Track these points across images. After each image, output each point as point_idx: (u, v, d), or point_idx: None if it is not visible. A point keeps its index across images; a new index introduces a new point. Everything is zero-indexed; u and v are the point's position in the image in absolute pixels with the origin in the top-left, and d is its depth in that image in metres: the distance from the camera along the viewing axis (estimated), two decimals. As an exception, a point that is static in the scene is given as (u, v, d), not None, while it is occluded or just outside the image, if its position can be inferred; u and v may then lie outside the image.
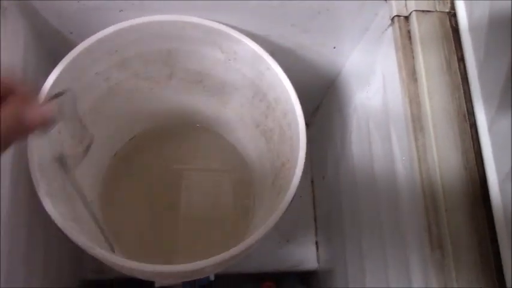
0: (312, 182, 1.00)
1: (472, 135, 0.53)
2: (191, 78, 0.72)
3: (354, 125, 0.73)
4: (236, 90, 0.71)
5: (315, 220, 0.98)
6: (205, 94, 0.75)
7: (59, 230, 0.50)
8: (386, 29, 0.61)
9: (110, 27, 0.58)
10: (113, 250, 0.63)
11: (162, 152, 0.86)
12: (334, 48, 0.71)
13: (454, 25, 0.57)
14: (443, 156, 0.52)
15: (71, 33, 0.64)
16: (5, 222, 0.53)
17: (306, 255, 0.96)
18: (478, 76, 0.52)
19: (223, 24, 0.62)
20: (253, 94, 0.69)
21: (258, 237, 0.52)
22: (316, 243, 0.97)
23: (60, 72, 0.56)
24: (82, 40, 0.58)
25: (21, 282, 0.58)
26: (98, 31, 0.59)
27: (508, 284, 0.46)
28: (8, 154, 0.55)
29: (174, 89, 0.74)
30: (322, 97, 0.88)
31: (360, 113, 0.70)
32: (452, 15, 0.58)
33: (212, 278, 0.84)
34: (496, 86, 0.47)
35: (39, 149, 0.53)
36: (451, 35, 0.57)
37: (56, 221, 0.50)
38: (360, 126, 0.70)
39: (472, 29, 0.54)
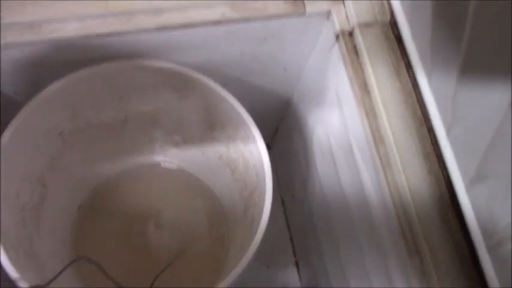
0: (283, 202, 0.99)
1: (431, 139, 0.54)
2: (146, 120, 0.71)
3: (315, 143, 0.73)
4: (194, 125, 0.71)
5: (291, 240, 0.98)
6: (163, 133, 0.74)
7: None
8: (332, 46, 0.62)
9: (57, 81, 0.57)
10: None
11: (128, 196, 0.84)
12: (285, 70, 0.72)
13: (396, 34, 0.59)
14: (406, 163, 0.53)
15: (17, 94, 0.63)
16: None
17: (288, 277, 0.95)
18: (428, 82, 0.53)
19: (173, 62, 0.61)
20: (212, 127, 0.68)
21: (233, 278, 0.51)
22: (296, 263, 0.96)
23: (11, 135, 0.54)
24: (29, 99, 0.57)
25: None
26: (45, 86, 0.57)
27: (491, 283, 0.47)
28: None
29: (130, 132, 0.73)
30: (280, 118, 0.88)
31: (320, 130, 0.71)
32: (394, 24, 0.59)
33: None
34: (448, 92, 0.48)
35: None
36: (396, 43, 0.58)
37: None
38: (322, 144, 0.71)
39: (415, 36, 0.55)
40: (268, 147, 0.60)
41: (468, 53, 0.44)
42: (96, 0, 0.55)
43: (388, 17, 0.59)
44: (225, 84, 0.63)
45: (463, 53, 0.44)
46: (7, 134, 0.54)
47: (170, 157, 0.82)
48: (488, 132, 0.42)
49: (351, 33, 0.59)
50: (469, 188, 0.48)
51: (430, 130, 0.54)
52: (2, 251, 0.49)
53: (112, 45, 0.59)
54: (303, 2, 0.59)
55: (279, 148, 0.94)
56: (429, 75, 0.53)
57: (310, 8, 0.59)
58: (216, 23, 0.58)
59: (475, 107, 0.44)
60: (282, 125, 0.90)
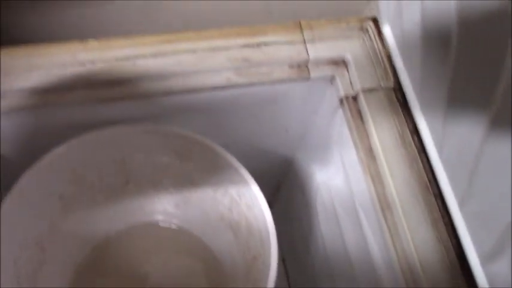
0: (284, 260, 0.98)
1: (438, 206, 0.53)
2: (148, 181, 0.70)
3: (319, 204, 0.72)
4: (196, 186, 0.70)
5: (293, 300, 0.95)
6: (165, 194, 0.73)
7: None
8: (336, 110, 0.62)
9: (60, 146, 0.57)
10: None
11: (127, 255, 0.82)
12: (287, 131, 0.72)
13: (400, 99, 0.59)
14: (415, 231, 0.52)
15: (18, 157, 0.62)
16: None
17: None
18: (439, 153, 0.53)
19: (176, 124, 0.61)
20: (214, 190, 0.68)
21: None
22: (298, 324, 0.93)
23: (11, 201, 0.53)
24: (31, 163, 0.56)
25: None
26: (47, 150, 0.57)
27: None
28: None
29: (131, 193, 0.72)
30: (281, 176, 0.87)
31: (324, 192, 0.70)
32: (398, 89, 0.59)
33: None
34: (463, 164, 0.47)
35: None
36: (400, 108, 0.58)
37: None
38: (326, 206, 0.70)
39: (423, 104, 0.55)
40: (270, 204, 0.59)
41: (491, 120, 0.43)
42: (102, 64, 0.56)
43: (392, 83, 0.59)
44: (227, 146, 0.62)
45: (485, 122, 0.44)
46: (7, 201, 0.53)
47: (170, 217, 0.80)
48: (508, 208, 0.41)
49: (354, 98, 0.60)
50: (484, 263, 0.47)
51: (437, 197, 0.54)
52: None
53: (116, 109, 0.59)
54: (307, 68, 0.60)
55: (280, 206, 0.93)
56: (440, 147, 0.52)
57: (314, 73, 0.60)
58: (221, 87, 0.58)
59: (495, 180, 0.43)
60: (283, 184, 0.89)
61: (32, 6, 0.63)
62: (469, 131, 0.45)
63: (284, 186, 0.89)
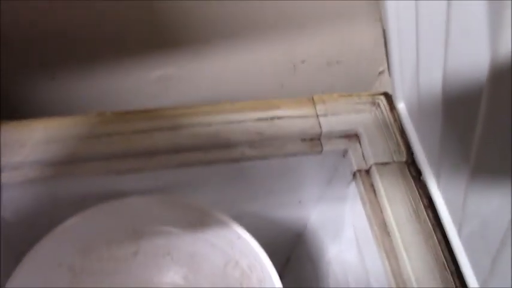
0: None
1: (455, 284, 0.52)
2: (158, 252, 0.69)
3: (331, 278, 0.71)
4: (206, 260, 0.69)
5: None
6: (174, 265, 0.72)
7: None
8: (349, 183, 0.62)
9: (72, 218, 0.57)
10: None
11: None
12: (300, 202, 0.71)
13: (413, 173, 0.59)
14: (432, 311, 0.51)
15: (28, 227, 0.62)
16: None
17: None
18: (458, 232, 0.52)
19: (189, 196, 0.61)
20: (225, 262, 0.66)
21: None
22: None
23: (21, 274, 0.52)
24: (43, 232, 0.56)
25: None
26: (59, 221, 0.57)
27: None
28: None
29: (140, 263, 0.71)
30: (291, 248, 0.86)
31: (336, 266, 0.69)
32: (411, 163, 0.59)
33: None
34: (485, 244, 0.47)
35: None
36: (413, 183, 0.58)
37: None
38: (338, 280, 0.68)
39: (440, 179, 0.55)
40: (280, 276, 0.58)
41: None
42: (118, 137, 0.57)
43: (405, 157, 0.60)
44: (239, 218, 0.62)
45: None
46: (18, 273, 0.52)
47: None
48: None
49: (367, 171, 0.60)
50: None
51: (454, 274, 0.53)
52: None
53: (130, 180, 0.59)
54: (320, 142, 0.60)
55: (290, 277, 0.91)
56: (459, 225, 0.52)
57: (327, 146, 0.60)
58: (236, 160, 0.58)
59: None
60: (294, 254, 0.88)
61: (50, 79, 0.65)
62: (495, 211, 0.44)
63: (295, 257, 0.88)
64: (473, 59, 0.40)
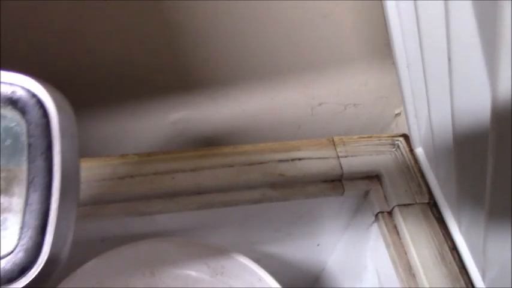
0: None
1: (485, 329, 0.51)
2: (175, 296, 0.68)
3: (353, 323, 0.69)
4: (226, 304, 0.68)
5: None
6: (191, 309, 0.71)
7: None
8: (371, 224, 0.61)
9: (93, 260, 0.56)
10: None
11: None
12: (318, 245, 0.71)
13: (436, 214, 0.58)
14: None
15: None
16: None
17: None
18: (482, 277, 0.51)
19: (209, 238, 0.61)
20: (245, 306, 0.65)
21: None
22: None
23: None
24: (62, 274, 0.55)
25: None
26: (77, 263, 0.56)
27: None
28: None
29: (156, 308, 0.69)
30: (309, 290, 0.85)
31: (358, 310, 0.67)
32: (433, 205, 0.59)
33: None
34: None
35: None
36: (437, 224, 0.58)
37: None
38: (360, 325, 0.67)
39: (461, 222, 0.55)
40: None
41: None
42: (141, 178, 0.57)
43: (427, 198, 0.59)
44: (258, 260, 0.61)
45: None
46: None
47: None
48: None
49: (390, 213, 0.59)
50: None
51: (483, 318, 0.52)
52: None
53: (150, 222, 0.58)
54: (341, 183, 0.60)
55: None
56: (483, 271, 0.51)
57: (348, 188, 0.60)
58: (256, 201, 0.58)
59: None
60: (311, 299, 0.86)
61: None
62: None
63: (312, 301, 0.86)
64: (476, 103, 0.41)
